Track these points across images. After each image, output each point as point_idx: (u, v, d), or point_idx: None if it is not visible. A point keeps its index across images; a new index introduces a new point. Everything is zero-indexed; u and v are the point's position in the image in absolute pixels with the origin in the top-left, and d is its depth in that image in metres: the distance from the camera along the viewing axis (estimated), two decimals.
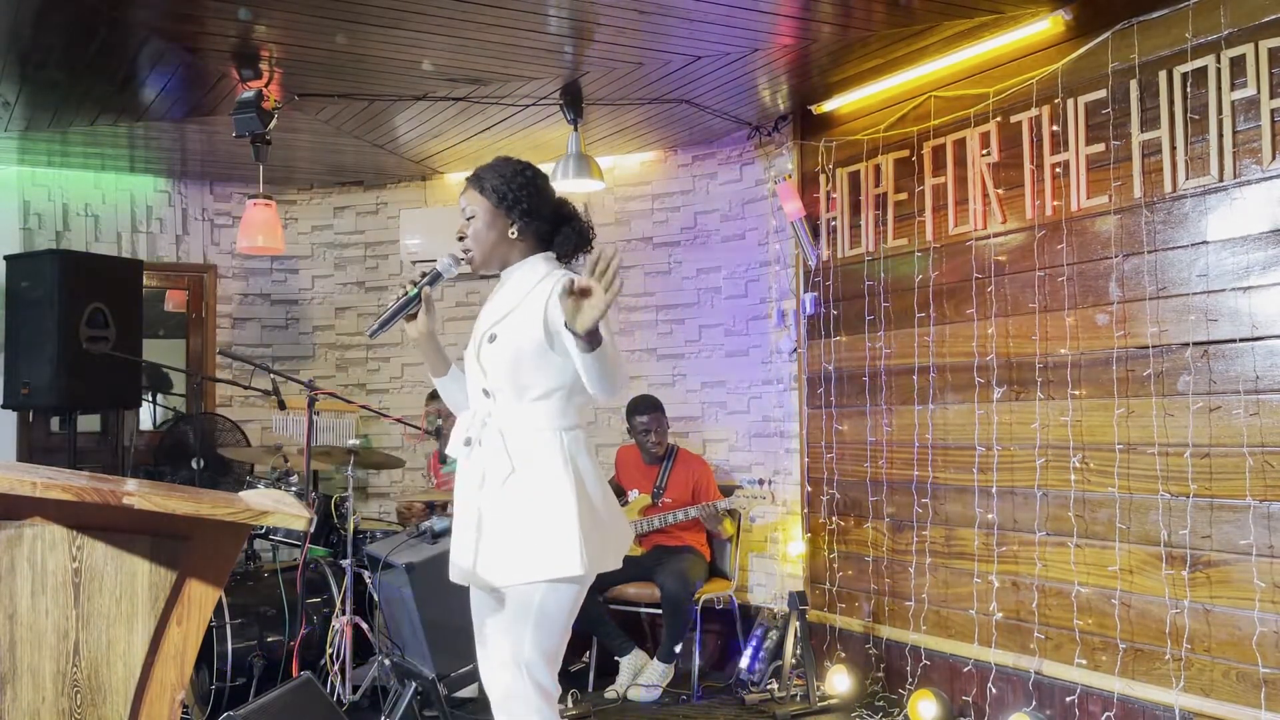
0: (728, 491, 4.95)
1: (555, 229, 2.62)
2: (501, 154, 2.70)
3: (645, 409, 5.14)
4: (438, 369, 2.65)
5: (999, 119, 4.16)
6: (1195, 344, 3.51)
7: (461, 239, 2.58)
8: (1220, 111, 3.43)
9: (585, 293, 2.14)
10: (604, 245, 2.19)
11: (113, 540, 1.93)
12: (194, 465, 5.49)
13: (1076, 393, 3.88)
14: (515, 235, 2.56)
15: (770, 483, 4.93)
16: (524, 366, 2.45)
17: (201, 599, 2.02)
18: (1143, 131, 3.67)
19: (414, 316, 2.56)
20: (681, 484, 5.07)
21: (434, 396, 5.40)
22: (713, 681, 5.03)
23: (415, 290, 2.54)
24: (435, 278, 2.56)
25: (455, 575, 2.56)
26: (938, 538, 4.41)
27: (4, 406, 5.45)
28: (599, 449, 5.95)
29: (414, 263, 6.12)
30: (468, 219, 2.57)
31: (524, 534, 2.41)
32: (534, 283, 2.51)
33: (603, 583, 4.97)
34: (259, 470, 5.60)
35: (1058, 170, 3.95)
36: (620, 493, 5.33)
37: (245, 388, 5.57)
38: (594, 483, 2.50)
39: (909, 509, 4.54)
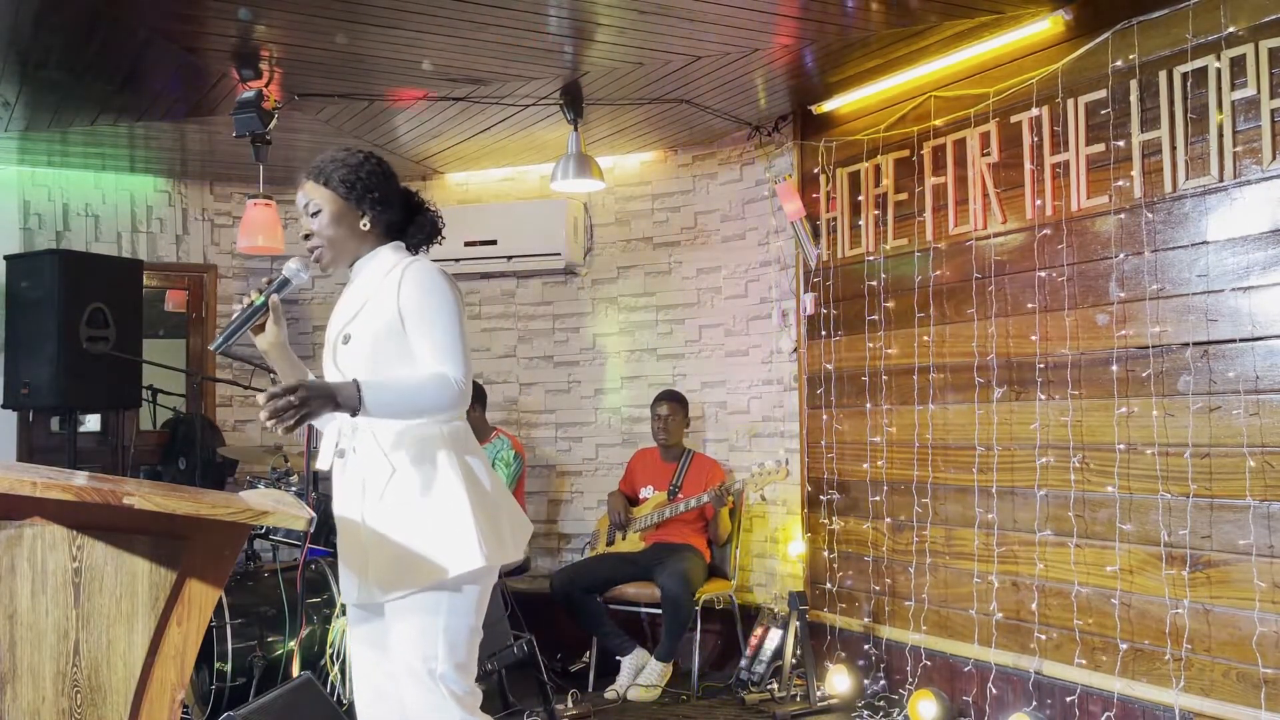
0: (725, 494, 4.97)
1: (408, 219, 2.51)
2: (343, 145, 2.56)
3: (664, 398, 5.30)
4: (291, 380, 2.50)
5: (999, 119, 4.16)
6: (1195, 344, 3.51)
7: (308, 237, 2.43)
8: (1220, 111, 3.43)
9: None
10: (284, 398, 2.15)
11: (113, 540, 1.93)
12: (179, 465, 5.49)
13: (1076, 393, 3.88)
14: (367, 227, 2.43)
15: (786, 461, 4.92)
16: (384, 362, 2.33)
17: (201, 599, 2.02)
18: (1143, 131, 3.67)
19: (262, 327, 2.38)
20: (696, 484, 5.11)
21: None
22: (713, 681, 5.03)
23: (262, 299, 2.35)
24: (283, 284, 2.39)
25: (348, 597, 2.41)
26: (938, 538, 4.41)
27: (4, 406, 5.45)
28: (597, 449, 5.95)
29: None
30: (312, 215, 2.42)
31: (417, 536, 2.29)
32: (382, 275, 2.40)
33: (603, 583, 5.02)
34: (258, 470, 5.60)
35: (1058, 170, 3.95)
36: (632, 500, 5.35)
37: (245, 388, 5.58)
38: (484, 473, 2.40)
39: (909, 509, 4.54)
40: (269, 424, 2.13)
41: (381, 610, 2.37)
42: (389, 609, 2.34)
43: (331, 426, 2.45)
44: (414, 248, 2.51)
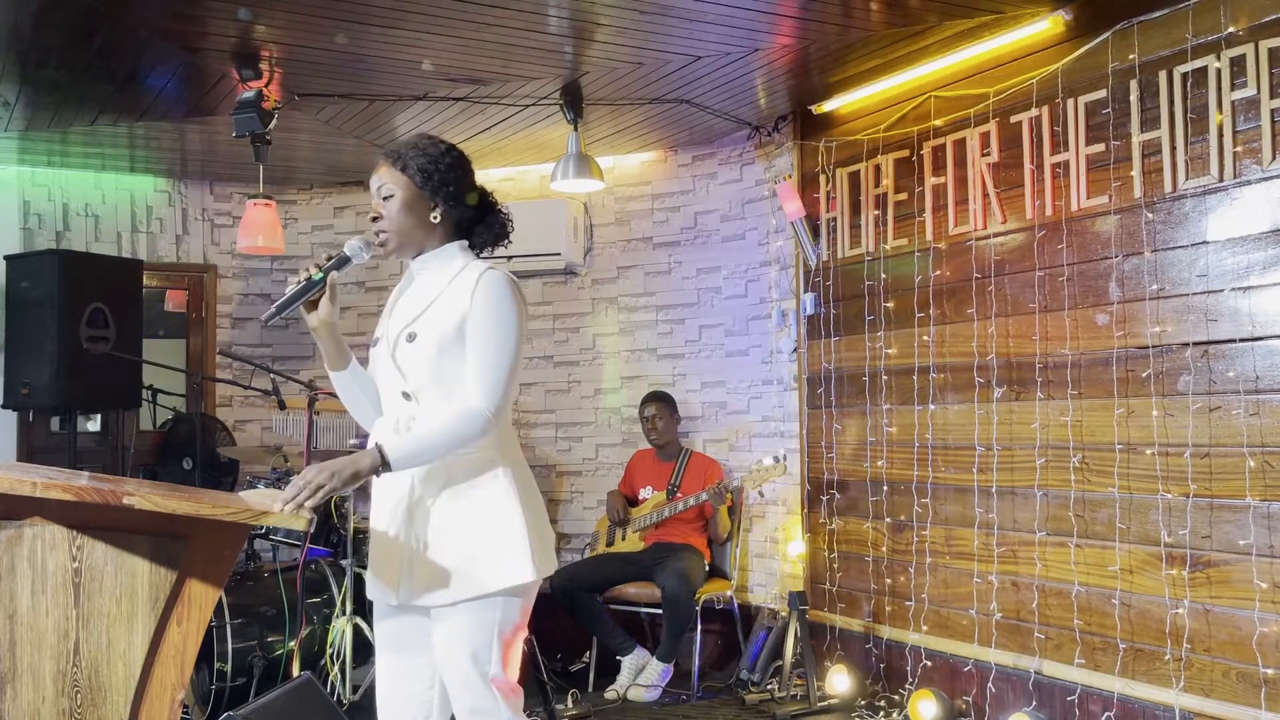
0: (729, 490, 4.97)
1: (478, 218, 2.46)
2: (423, 133, 2.50)
3: (650, 400, 5.34)
4: (336, 363, 2.42)
5: (999, 119, 4.16)
6: (1195, 344, 3.51)
7: (376, 219, 2.38)
8: (1220, 111, 3.44)
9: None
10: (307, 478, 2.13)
11: (113, 540, 1.93)
12: (183, 465, 5.49)
13: (1076, 393, 3.88)
14: (437, 220, 2.38)
15: (784, 457, 4.90)
16: (448, 364, 2.30)
17: (201, 599, 2.02)
18: (1143, 131, 3.67)
19: (315, 304, 2.33)
20: (695, 483, 5.12)
21: None
22: (713, 681, 5.03)
23: (320, 275, 2.31)
24: (342, 262, 2.35)
25: (380, 595, 2.38)
26: (938, 538, 4.41)
27: (4, 406, 5.45)
28: (597, 449, 5.96)
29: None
30: (384, 199, 2.37)
31: (472, 544, 2.29)
32: (451, 275, 2.36)
33: (603, 583, 5.01)
34: (258, 470, 5.60)
35: (1058, 170, 3.95)
36: (632, 501, 5.35)
37: (245, 388, 5.57)
38: (532, 484, 2.41)
39: (909, 509, 4.54)
40: (298, 513, 2.10)
41: (424, 612, 2.35)
42: (435, 611, 2.32)
43: (382, 423, 2.41)
44: (478, 248, 2.47)
